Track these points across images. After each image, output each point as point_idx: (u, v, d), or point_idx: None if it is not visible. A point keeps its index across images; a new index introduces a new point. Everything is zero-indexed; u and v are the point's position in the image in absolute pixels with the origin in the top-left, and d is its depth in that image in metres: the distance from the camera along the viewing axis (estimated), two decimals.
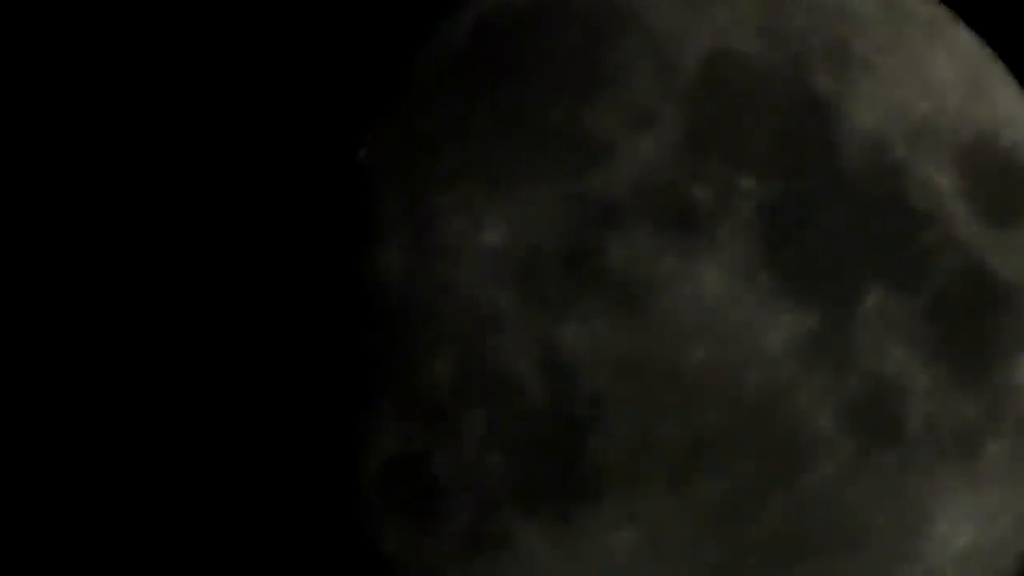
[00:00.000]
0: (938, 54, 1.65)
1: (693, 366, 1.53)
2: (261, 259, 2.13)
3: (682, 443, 1.54)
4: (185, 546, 2.18)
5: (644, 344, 1.53)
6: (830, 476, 1.55)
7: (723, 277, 1.52)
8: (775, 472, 1.54)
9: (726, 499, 1.55)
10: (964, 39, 1.70)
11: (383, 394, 1.66)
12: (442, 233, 1.60)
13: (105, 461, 2.18)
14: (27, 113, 2.18)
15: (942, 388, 1.56)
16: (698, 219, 1.53)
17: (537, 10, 1.65)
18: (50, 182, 2.18)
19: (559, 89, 1.59)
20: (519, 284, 1.56)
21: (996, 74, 1.70)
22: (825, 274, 1.53)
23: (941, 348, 1.56)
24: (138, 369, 2.18)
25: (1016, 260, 1.61)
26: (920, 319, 1.55)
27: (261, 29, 2.16)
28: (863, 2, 1.64)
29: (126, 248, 2.18)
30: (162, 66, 2.18)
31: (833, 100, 1.57)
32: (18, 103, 2.17)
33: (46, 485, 2.18)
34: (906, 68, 1.62)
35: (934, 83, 1.63)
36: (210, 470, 2.17)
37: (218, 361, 2.17)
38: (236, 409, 2.16)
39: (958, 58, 1.66)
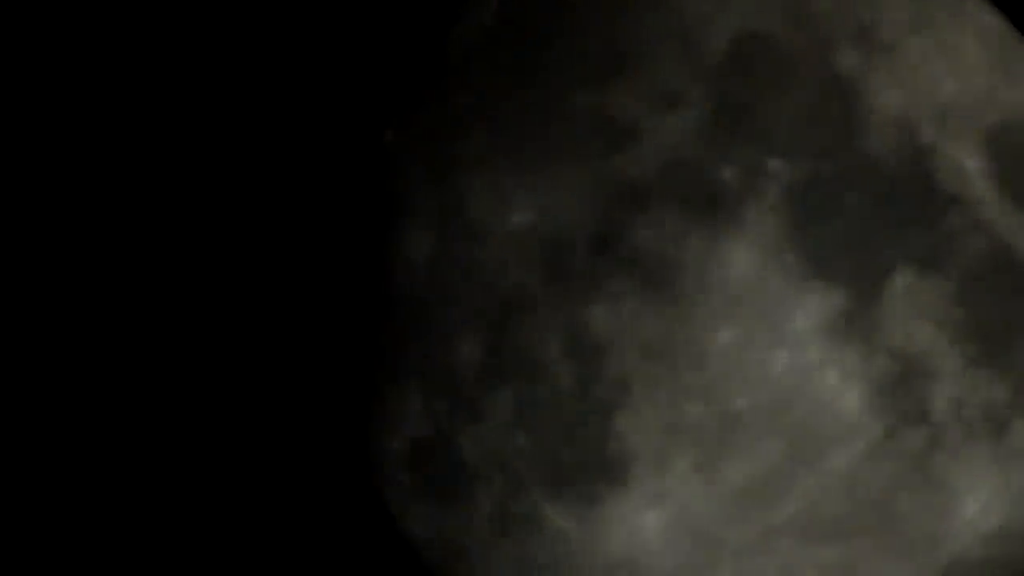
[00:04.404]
0: (965, 35, 1.64)
1: (720, 347, 1.53)
2: (288, 240, 2.14)
3: (709, 424, 1.54)
4: (208, 527, 2.19)
5: (671, 325, 1.53)
6: (857, 457, 1.55)
7: (750, 258, 1.52)
8: (802, 453, 1.54)
9: (753, 480, 1.55)
10: (991, 21, 1.69)
11: (409, 376, 1.67)
12: (469, 214, 1.60)
13: (131, 445, 2.19)
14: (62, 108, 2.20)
15: (970, 369, 1.56)
16: (725, 200, 1.53)
17: None
18: (84, 172, 2.20)
19: (586, 70, 1.59)
20: (546, 265, 1.56)
21: None
22: (852, 255, 1.53)
23: (969, 329, 1.56)
24: (166, 353, 2.19)
25: None
26: (948, 300, 1.55)
27: (288, 9, 2.17)
28: None
29: (151, 231, 2.19)
30: (190, 50, 2.19)
31: (859, 81, 1.57)
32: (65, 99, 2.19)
33: (77, 477, 2.20)
34: (933, 49, 1.61)
35: (961, 65, 1.62)
36: (233, 451, 2.18)
37: (244, 342, 2.18)
38: (261, 390, 2.17)
39: (985, 40, 1.66)
